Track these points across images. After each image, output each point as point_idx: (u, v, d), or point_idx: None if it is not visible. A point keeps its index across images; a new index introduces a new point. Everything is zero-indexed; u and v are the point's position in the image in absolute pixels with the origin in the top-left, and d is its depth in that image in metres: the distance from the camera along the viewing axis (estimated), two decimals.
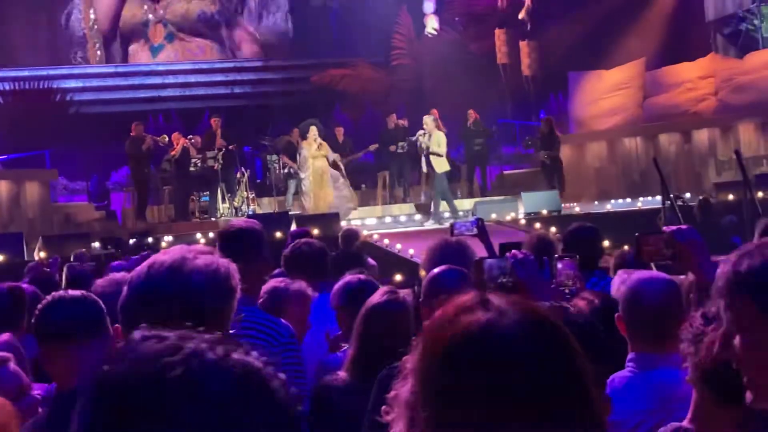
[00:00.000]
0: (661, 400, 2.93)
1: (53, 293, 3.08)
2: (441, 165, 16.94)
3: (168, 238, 15.43)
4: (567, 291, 2.98)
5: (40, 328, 2.95)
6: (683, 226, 2.95)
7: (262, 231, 3.75)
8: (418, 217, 18.07)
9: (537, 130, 19.67)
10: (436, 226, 16.53)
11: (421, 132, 17.36)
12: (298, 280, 4.59)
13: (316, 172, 17.43)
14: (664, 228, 2.96)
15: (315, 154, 17.43)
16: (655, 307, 3.07)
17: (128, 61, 26.09)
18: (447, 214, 17.16)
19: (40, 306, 2.99)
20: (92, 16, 25.58)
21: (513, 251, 2.87)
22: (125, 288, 2.07)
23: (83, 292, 3.07)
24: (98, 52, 25.77)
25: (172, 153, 18.54)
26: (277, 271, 5.16)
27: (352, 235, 9.18)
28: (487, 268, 2.74)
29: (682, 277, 3.28)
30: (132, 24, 26.19)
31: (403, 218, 17.76)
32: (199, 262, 2.04)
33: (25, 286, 5.40)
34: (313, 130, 17.67)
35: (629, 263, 4.83)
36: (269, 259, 3.76)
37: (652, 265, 3.58)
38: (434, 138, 16.94)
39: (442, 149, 16.98)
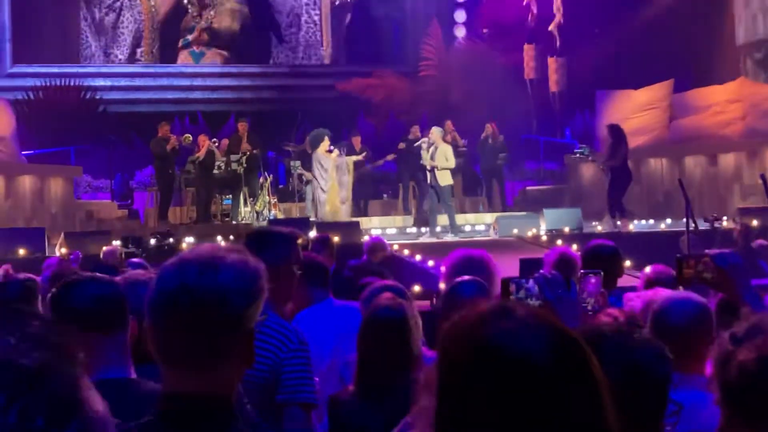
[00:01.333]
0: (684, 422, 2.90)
1: (77, 274, 3.00)
2: (445, 178, 16.85)
3: (189, 239, 15.48)
4: (590, 308, 2.96)
5: (57, 310, 2.81)
6: (725, 251, 2.94)
7: (292, 237, 3.72)
8: (416, 229, 18.04)
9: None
10: (448, 238, 16.54)
11: (423, 140, 17.21)
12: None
13: (335, 182, 17.40)
14: (707, 251, 2.95)
15: (332, 163, 17.38)
16: (683, 327, 3.05)
17: (176, 63, 26.54)
18: (438, 228, 17.14)
19: (58, 285, 2.88)
20: (152, 16, 25.93)
21: (541, 272, 2.84)
22: (153, 283, 2.06)
23: (109, 277, 3.02)
24: (154, 51, 26.16)
25: (197, 155, 18.62)
26: None
27: (378, 247, 9.17)
28: (514, 289, 2.71)
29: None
30: (179, 28, 26.57)
31: (424, 229, 17.72)
32: (228, 260, 2.03)
33: (39, 279, 5.42)
34: (327, 140, 17.61)
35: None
36: (294, 265, 3.69)
37: None
38: (440, 151, 16.78)
39: (450, 162, 16.85)
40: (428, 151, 16.83)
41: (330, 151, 17.49)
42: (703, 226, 15.17)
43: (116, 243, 14.06)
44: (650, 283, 4.93)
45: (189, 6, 26.43)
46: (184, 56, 26.67)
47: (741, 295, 2.80)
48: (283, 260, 3.55)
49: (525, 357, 1.28)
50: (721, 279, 2.86)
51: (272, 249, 3.52)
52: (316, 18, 27.26)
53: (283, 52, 27.27)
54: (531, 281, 2.70)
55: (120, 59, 25.94)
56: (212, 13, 26.58)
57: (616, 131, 16.88)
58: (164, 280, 2.03)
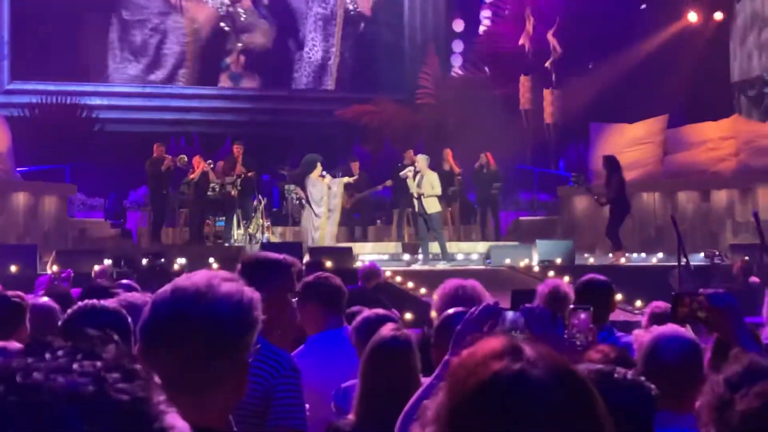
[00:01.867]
0: None
1: (86, 301, 3.03)
2: (433, 206, 16.88)
3: (181, 260, 15.45)
4: (579, 343, 2.97)
5: (69, 336, 2.88)
6: (720, 290, 2.95)
7: (287, 265, 3.73)
8: (406, 256, 18.04)
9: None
10: (440, 266, 16.56)
11: (410, 169, 17.22)
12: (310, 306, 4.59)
13: (327, 207, 17.40)
14: (701, 290, 2.97)
15: (325, 188, 17.38)
16: (674, 364, 3.07)
17: (216, 85, 27.03)
18: (424, 255, 17.16)
19: (69, 311, 2.91)
20: (195, 39, 26.32)
21: (527, 305, 2.86)
22: (147, 309, 2.06)
23: (116, 304, 3.03)
24: (196, 75, 26.54)
25: (192, 176, 18.64)
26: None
27: (372, 273, 9.16)
28: (500, 320, 2.72)
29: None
30: (217, 50, 26.93)
31: (420, 256, 17.72)
32: (224, 288, 2.04)
33: (29, 297, 5.41)
34: (319, 165, 17.59)
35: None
36: (288, 293, 3.70)
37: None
38: (427, 179, 16.82)
39: (437, 190, 16.89)
40: (414, 179, 16.88)
41: (323, 176, 17.50)
42: (703, 261, 15.25)
43: (108, 262, 14.04)
44: (655, 318, 4.92)
45: (227, 28, 26.76)
46: (223, 79, 27.15)
47: (735, 335, 2.82)
48: (277, 288, 3.55)
49: (534, 396, 1.28)
50: (716, 318, 2.87)
51: (267, 277, 3.52)
52: (322, 44, 27.45)
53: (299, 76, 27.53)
54: (517, 314, 2.71)
55: (161, 80, 26.18)
56: (246, 36, 26.91)
57: (610, 162, 16.90)
58: (159, 306, 2.03)
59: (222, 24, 26.68)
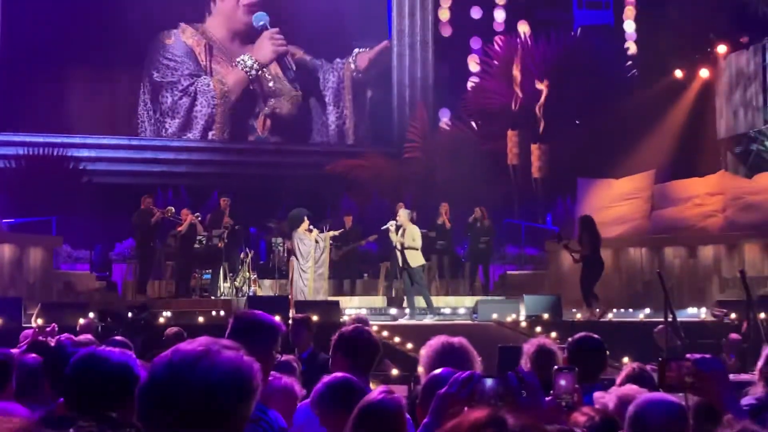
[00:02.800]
0: None
1: (94, 347, 2.98)
2: (416, 259, 16.88)
3: (167, 313, 15.37)
4: (564, 404, 2.94)
5: (72, 386, 2.83)
6: (707, 356, 2.93)
7: (278, 328, 3.84)
8: (393, 311, 17.99)
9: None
10: (427, 321, 16.51)
11: (392, 223, 17.23)
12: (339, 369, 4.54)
13: (315, 261, 17.32)
14: (688, 356, 2.94)
15: (312, 243, 17.32)
16: (661, 428, 3.04)
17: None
18: (410, 309, 17.11)
19: (74, 359, 2.88)
20: (224, 101, 26.81)
21: (516, 371, 2.80)
22: (146, 375, 2.04)
23: (127, 353, 2.99)
24: (225, 135, 27.00)
25: (179, 229, 18.59)
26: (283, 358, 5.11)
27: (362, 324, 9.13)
28: (480, 389, 2.67)
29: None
30: (244, 114, 27.43)
31: (407, 310, 17.65)
32: (223, 356, 2.02)
33: (15, 351, 5.33)
34: (306, 220, 17.56)
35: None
36: (275, 352, 3.84)
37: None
38: (408, 232, 16.84)
39: (417, 242, 16.91)
40: (396, 232, 16.91)
41: (310, 230, 17.48)
42: (710, 317, 15.30)
43: (92, 315, 13.94)
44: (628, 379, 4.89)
45: (256, 91, 27.27)
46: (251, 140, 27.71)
47: (723, 400, 2.79)
48: (266, 348, 3.66)
49: None
50: (703, 384, 2.85)
51: (258, 337, 3.65)
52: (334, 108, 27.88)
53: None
54: (497, 380, 2.65)
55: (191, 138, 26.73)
56: (274, 101, 27.33)
57: (584, 222, 17.06)
58: (157, 371, 2.01)
59: (251, 86, 27.23)
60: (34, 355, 5.43)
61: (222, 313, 15.63)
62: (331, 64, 27.72)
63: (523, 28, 27.08)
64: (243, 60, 26.93)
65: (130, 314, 14.66)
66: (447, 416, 2.27)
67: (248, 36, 27.10)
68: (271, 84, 27.34)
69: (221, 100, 26.85)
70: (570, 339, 5.52)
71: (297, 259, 17.19)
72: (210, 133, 26.86)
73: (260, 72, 27.10)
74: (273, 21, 26.84)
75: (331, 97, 27.86)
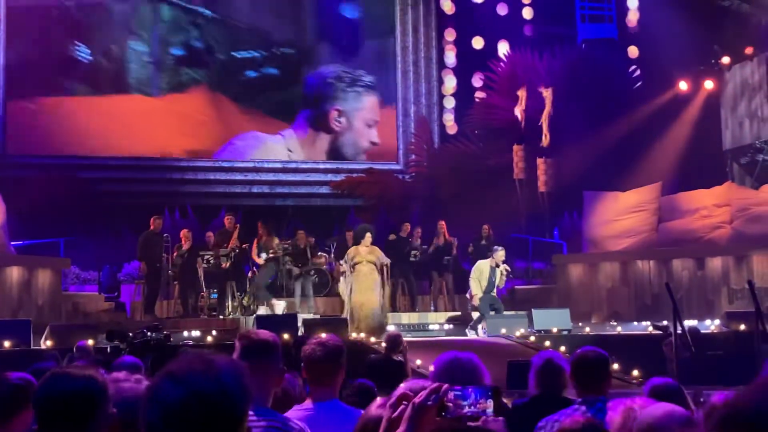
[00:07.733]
0: None
1: (57, 368, 3.02)
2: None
3: (177, 334, 15.35)
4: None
5: (40, 402, 2.87)
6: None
7: (278, 344, 3.96)
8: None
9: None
10: (437, 335, 16.52)
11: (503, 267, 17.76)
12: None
13: (365, 277, 17.07)
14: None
15: (364, 258, 17.14)
16: None
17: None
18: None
19: (42, 379, 2.93)
20: None
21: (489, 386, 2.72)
22: (149, 397, 2.02)
23: (92, 369, 3.01)
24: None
25: (185, 248, 18.63)
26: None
27: (396, 340, 9.19)
28: (456, 400, 2.57)
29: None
30: None
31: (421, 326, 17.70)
32: (222, 363, 2.04)
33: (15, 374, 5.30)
34: (369, 236, 17.37)
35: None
36: (282, 370, 3.93)
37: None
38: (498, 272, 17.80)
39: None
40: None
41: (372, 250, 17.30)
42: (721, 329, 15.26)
43: (91, 340, 13.89)
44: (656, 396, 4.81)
45: None
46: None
47: None
48: (277, 362, 3.82)
49: None
50: None
51: (270, 354, 3.80)
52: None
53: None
54: (469, 389, 2.58)
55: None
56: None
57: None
58: (166, 391, 1.99)
59: None
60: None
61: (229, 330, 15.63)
62: None
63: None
64: None
65: (149, 334, 14.63)
66: (420, 426, 2.31)
67: None
68: None
69: None
70: (574, 352, 5.52)
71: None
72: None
73: None
74: None
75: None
